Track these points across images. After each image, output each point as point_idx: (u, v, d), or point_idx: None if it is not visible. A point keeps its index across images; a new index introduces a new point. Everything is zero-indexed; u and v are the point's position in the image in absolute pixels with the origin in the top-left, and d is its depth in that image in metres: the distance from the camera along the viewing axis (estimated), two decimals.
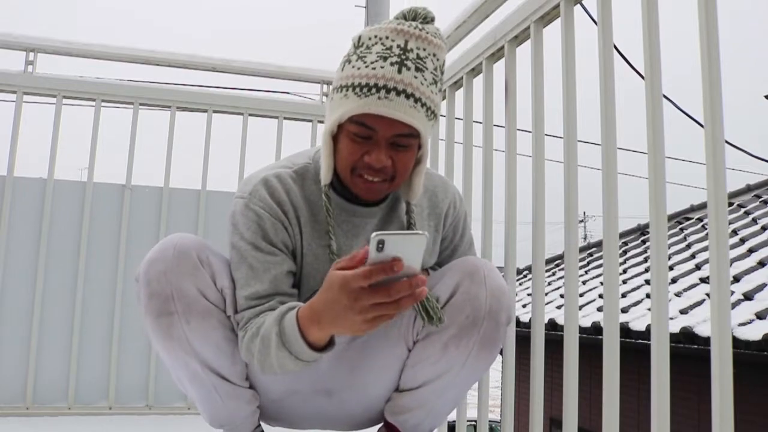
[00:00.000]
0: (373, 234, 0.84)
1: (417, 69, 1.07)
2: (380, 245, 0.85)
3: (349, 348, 1.22)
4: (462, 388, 1.25)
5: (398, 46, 1.08)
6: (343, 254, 1.18)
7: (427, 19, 1.13)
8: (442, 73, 1.14)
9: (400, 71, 1.06)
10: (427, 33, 1.10)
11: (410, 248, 0.86)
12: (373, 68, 1.06)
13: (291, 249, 1.17)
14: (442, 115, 2.00)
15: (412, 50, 1.08)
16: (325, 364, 1.21)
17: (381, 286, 0.88)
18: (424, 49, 1.09)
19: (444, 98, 1.21)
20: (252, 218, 1.14)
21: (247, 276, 1.13)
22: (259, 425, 1.28)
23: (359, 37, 1.12)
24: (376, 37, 1.10)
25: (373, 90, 1.05)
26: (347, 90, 1.08)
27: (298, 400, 1.25)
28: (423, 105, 1.07)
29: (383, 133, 1.07)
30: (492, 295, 1.15)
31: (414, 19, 1.12)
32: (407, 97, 1.05)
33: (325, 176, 1.14)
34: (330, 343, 1.04)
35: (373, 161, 1.08)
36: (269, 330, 1.05)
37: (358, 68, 1.08)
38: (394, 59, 1.06)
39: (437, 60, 1.11)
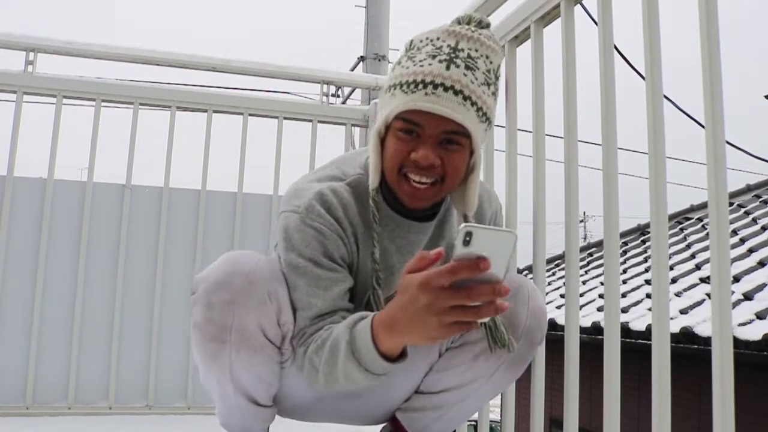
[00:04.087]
0: (462, 225, 0.79)
1: (467, 67, 1.04)
2: (467, 238, 0.78)
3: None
4: (479, 402, 1.24)
5: (449, 45, 1.05)
6: (397, 271, 1.15)
7: (482, 24, 1.11)
8: (497, 78, 1.10)
9: (448, 68, 1.02)
10: (480, 35, 1.08)
11: (498, 247, 0.80)
12: (421, 66, 1.04)
13: (349, 265, 1.13)
14: None
15: (462, 50, 1.05)
16: None
17: (462, 288, 0.81)
18: (476, 50, 1.06)
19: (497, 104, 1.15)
20: (311, 234, 1.08)
21: (308, 294, 1.07)
22: (267, 430, 1.28)
23: (411, 41, 1.10)
24: (427, 39, 1.08)
25: (420, 86, 1.02)
26: (395, 89, 1.05)
27: (323, 403, 1.23)
28: (473, 104, 1.03)
29: (430, 129, 1.03)
30: (532, 315, 1.14)
31: (468, 24, 1.10)
32: (455, 93, 1.02)
33: (374, 180, 1.09)
34: (402, 355, 0.97)
35: (420, 158, 1.03)
36: (338, 338, 0.99)
37: (407, 68, 1.05)
38: (443, 57, 1.04)
39: (490, 63, 1.08)
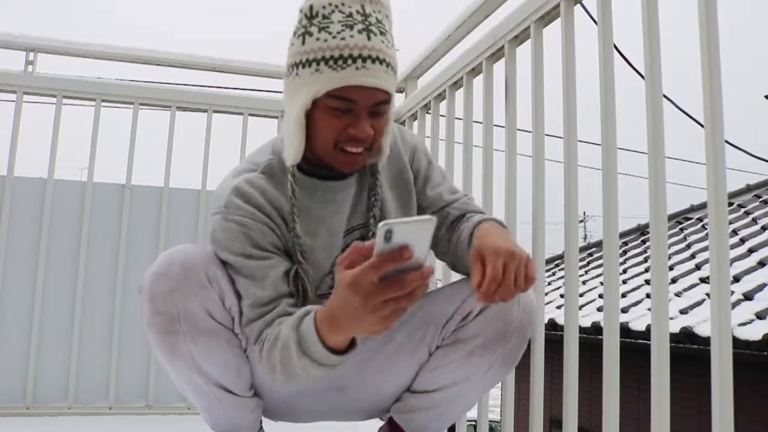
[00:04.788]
0: (381, 224, 0.80)
1: (381, 33, 1.05)
2: (388, 235, 0.80)
3: (367, 347, 1.21)
4: (473, 399, 1.25)
5: (357, 11, 1.05)
6: (336, 233, 1.16)
7: None
8: (391, 27, 1.13)
9: (369, 38, 1.03)
10: None
11: (419, 234, 0.82)
12: (342, 38, 1.03)
13: (283, 249, 1.13)
14: (441, 115, 2.01)
15: (371, 14, 1.06)
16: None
17: (393, 279, 0.83)
18: (380, 11, 1.08)
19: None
20: (235, 229, 1.09)
21: (245, 285, 1.08)
22: (261, 428, 1.28)
23: (310, 7, 1.06)
24: (330, 4, 1.05)
25: (349, 61, 1.02)
26: (317, 64, 1.03)
27: (307, 398, 1.24)
28: (392, 68, 1.06)
29: (364, 102, 1.04)
30: (524, 311, 1.14)
31: None
32: (380, 62, 1.03)
33: (294, 157, 1.10)
34: (352, 345, 0.99)
35: (358, 132, 1.05)
36: (287, 339, 1.01)
37: (325, 40, 1.03)
38: (360, 26, 1.04)
39: (389, 20, 1.10)
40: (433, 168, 1.27)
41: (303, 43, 1.05)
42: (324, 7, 1.05)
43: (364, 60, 1.02)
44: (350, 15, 1.04)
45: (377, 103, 1.06)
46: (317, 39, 1.04)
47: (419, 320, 1.18)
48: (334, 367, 1.00)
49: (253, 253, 1.08)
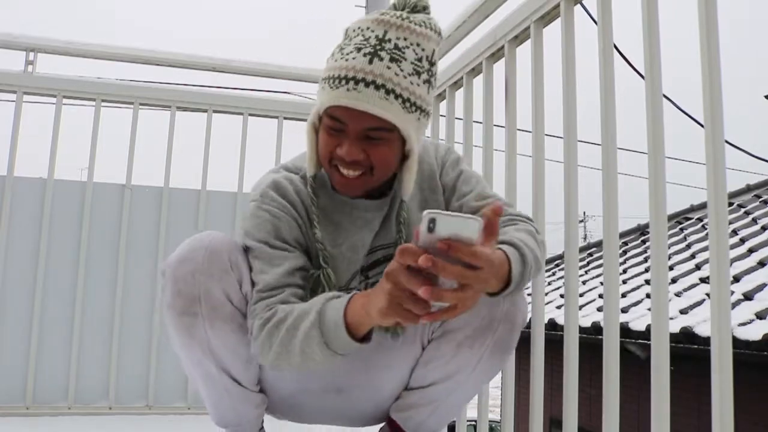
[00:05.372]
0: (425, 212, 0.80)
1: (392, 59, 1.02)
2: (432, 225, 0.79)
3: (362, 349, 1.21)
4: (470, 391, 1.25)
5: (376, 36, 1.04)
6: (358, 249, 1.17)
7: (417, 8, 1.09)
8: (432, 63, 1.09)
9: (371, 62, 1.02)
10: (410, 22, 1.06)
11: (464, 231, 0.80)
12: (346, 60, 1.03)
13: (305, 249, 1.15)
14: (441, 115, 2.01)
15: (389, 40, 1.04)
16: (339, 361, 1.20)
17: (427, 279, 0.81)
18: (405, 39, 1.04)
19: (434, 90, 1.13)
20: (264, 218, 1.13)
21: (260, 269, 1.11)
22: (262, 427, 1.29)
23: (347, 30, 1.10)
24: (359, 28, 1.07)
25: (343, 82, 1.02)
26: (324, 82, 1.06)
27: (308, 397, 1.25)
28: (398, 96, 1.02)
29: (353, 125, 1.04)
30: (510, 299, 1.12)
31: (403, 9, 1.08)
32: (377, 88, 1.01)
33: (309, 168, 1.13)
34: (367, 337, 0.99)
35: (344, 154, 1.04)
36: (310, 307, 1.01)
37: (336, 60, 1.05)
38: (368, 50, 1.03)
39: (422, 50, 1.06)
40: (462, 178, 1.22)
41: (328, 60, 1.09)
42: (354, 30, 1.08)
43: (356, 82, 1.01)
44: (367, 39, 1.04)
45: (369, 128, 1.04)
46: (334, 59, 1.06)
47: None
48: (334, 357, 1.00)
49: (276, 243, 1.12)
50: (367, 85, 1.01)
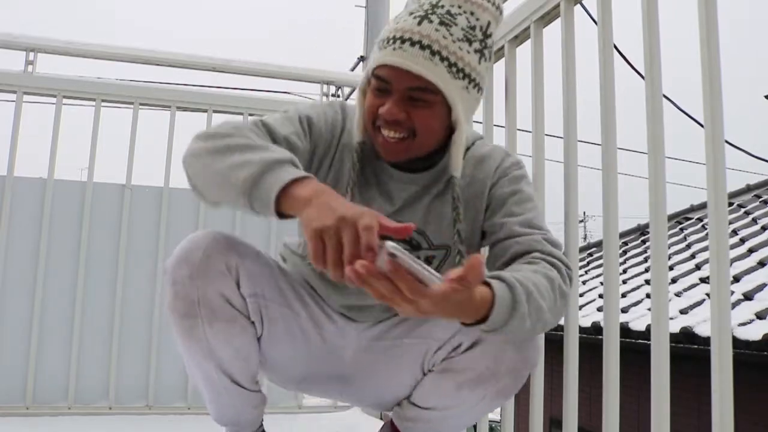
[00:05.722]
0: (390, 243, 0.77)
1: (441, 23, 1.02)
2: (391, 257, 0.76)
3: (372, 346, 1.22)
4: (468, 422, 1.24)
5: (430, 3, 1.05)
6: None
7: None
8: (486, 35, 1.06)
9: (420, 24, 1.02)
10: None
11: (419, 276, 0.77)
12: (397, 23, 1.05)
13: (313, 151, 1.13)
14: None
15: (443, 6, 1.04)
16: (348, 353, 1.22)
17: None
18: (459, 6, 1.05)
19: (488, 63, 1.10)
20: (314, 107, 1.15)
21: (274, 120, 1.08)
22: (261, 426, 1.29)
23: (407, 1, 1.11)
24: None
25: (391, 41, 1.03)
26: (375, 45, 1.07)
27: (313, 383, 1.29)
28: (444, 59, 1.01)
29: (396, 84, 1.03)
30: (517, 351, 1.07)
31: None
32: (422, 48, 1.00)
33: (357, 134, 1.11)
34: (282, 215, 0.91)
35: (385, 113, 1.03)
36: (261, 145, 0.96)
37: (390, 25, 1.07)
38: (419, 13, 1.04)
39: (476, 19, 1.05)
40: (517, 198, 1.13)
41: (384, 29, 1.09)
42: (413, 1, 1.09)
43: (402, 42, 1.01)
44: (421, 5, 1.06)
45: (412, 88, 1.02)
46: (388, 26, 1.08)
47: (424, 333, 1.17)
48: (238, 198, 0.93)
49: (298, 119, 1.11)
50: (413, 44, 1.01)
